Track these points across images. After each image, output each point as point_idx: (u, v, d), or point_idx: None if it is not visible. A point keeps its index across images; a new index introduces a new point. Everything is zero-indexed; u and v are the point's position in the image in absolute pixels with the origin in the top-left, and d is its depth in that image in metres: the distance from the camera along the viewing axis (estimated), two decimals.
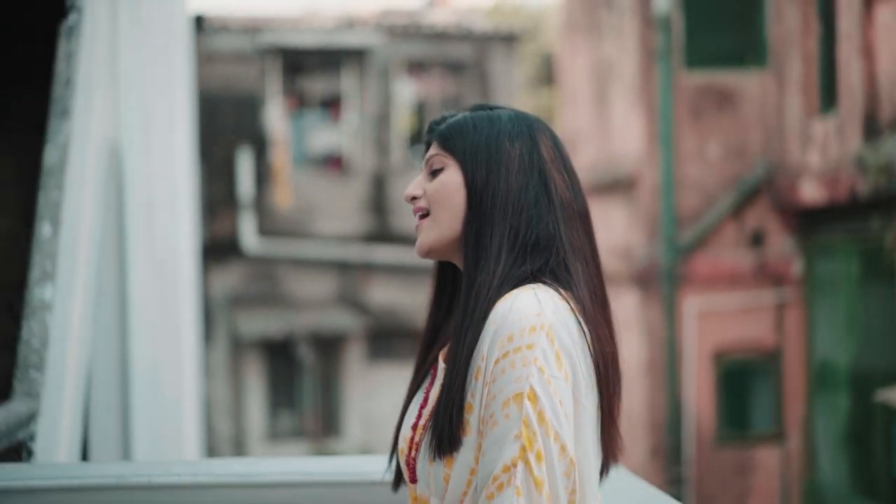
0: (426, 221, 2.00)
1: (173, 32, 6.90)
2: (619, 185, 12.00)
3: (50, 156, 4.50)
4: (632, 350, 11.50)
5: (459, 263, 1.99)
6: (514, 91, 17.53)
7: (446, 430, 1.85)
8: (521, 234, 1.91)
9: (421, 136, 15.98)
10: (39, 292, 4.19)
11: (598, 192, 12.63)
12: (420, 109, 17.50)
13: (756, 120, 11.18)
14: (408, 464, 1.99)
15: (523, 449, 1.77)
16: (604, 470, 1.95)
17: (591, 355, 1.87)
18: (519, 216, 1.92)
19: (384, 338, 16.43)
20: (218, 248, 15.83)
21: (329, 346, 16.58)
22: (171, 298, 6.62)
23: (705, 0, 11.27)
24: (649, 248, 11.28)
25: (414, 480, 1.97)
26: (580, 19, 13.72)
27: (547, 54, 24.71)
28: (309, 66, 17.15)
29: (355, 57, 16.88)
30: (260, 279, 16.41)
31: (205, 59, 15.51)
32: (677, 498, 11.03)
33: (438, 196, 1.98)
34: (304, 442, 16.29)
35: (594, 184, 12.71)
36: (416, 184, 2.03)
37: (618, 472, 2.55)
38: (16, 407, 3.84)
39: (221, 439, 16.12)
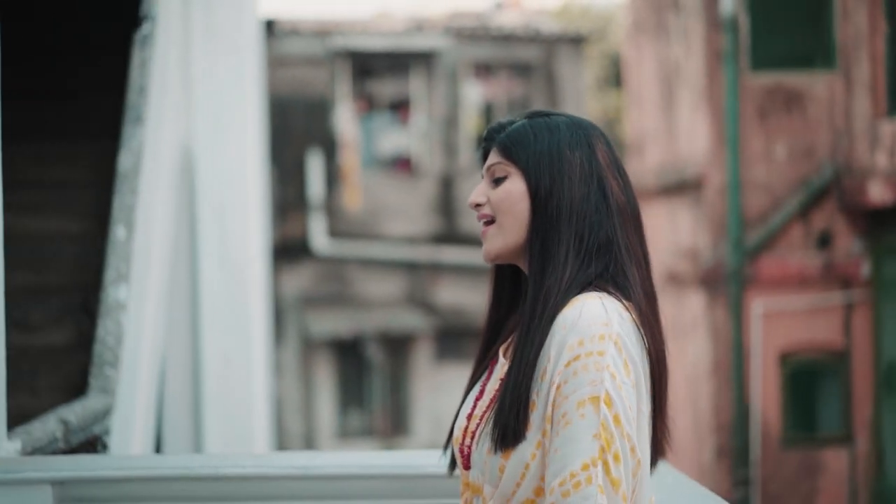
0: (492, 228, 2.05)
1: (244, 38, 7.01)
2: (686, 187, 11.98)
3: (124, 161, 4.63)
4: (698, 351, 11.48)
5: (523, 267, 2.05)
6: (581, 93, 17.53)
7: (511, 425, 1.92)
8: (585, 240, 1.98)
9: None
10: (114, 292, 4.32)
11: (664, 193, 12.61)
12: (488, 111, 17.54)
13: (823, 121, 11.11)
14: (461, 451, 2.07)
15: (602, 449, 1.85)
16: (652, 465, 2.02)
17: (648, 361, 1.95)
18: (582, 223, 1.98)
19: (452, 337, 16.49)
20: (288, 249, 15.99)
21: (398, 345, 16.70)
22: (241, 298, 6.73)
23: (772, 1, 11.21)
24: (716, 250, 11.25)
25: (467, 467, 2.05)
26: (647, 21, 13.71)
27: (614, 56, 24.64)
28: (378, 69, 17.27)
29: (424, 60, 16.97)
30: (330, 280, 16.56)
31: (275, 63, 15.69)
32: (745, 500, 10.88)
33: (504, 204, 2.03)
34: (374, 440, 16.40)
35: (660, 185, 12.69)
36: (479, 191, 2.08)
37: (667, 471, 2.63)
38: (92, 403, 3.96)
39: (292, 437, 16.29)
